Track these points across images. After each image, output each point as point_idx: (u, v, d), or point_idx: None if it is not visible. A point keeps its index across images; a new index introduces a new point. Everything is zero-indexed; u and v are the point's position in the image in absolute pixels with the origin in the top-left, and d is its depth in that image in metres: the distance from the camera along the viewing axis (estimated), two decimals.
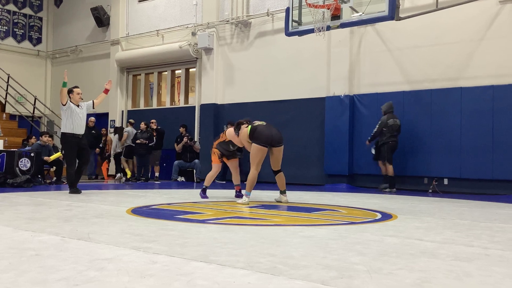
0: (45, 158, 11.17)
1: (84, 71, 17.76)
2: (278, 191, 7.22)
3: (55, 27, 19.14)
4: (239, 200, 6.93)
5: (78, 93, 8.38)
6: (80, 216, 5.00)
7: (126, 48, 16.34)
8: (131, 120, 14.34)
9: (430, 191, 10.39)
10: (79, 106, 8.35)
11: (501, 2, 10.02)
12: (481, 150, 10.02)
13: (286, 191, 7.20)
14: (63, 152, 8.70)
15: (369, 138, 10.75)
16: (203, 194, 7.61)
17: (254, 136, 6.90)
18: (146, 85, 16.55)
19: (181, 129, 13.68)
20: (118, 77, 16.45)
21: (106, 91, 8.75)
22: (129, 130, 13.72)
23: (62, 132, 8.34)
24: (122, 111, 16.52)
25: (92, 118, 13.83)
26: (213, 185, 9.69)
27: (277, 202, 7.11)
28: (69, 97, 8.31)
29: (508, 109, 9.81)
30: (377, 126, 10.52)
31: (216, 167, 7.72)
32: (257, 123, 7.08)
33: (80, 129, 8.28)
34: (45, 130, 14.78)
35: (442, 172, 10.49)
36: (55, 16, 19.18)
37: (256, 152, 6.86)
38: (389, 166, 10.43)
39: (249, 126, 7.03)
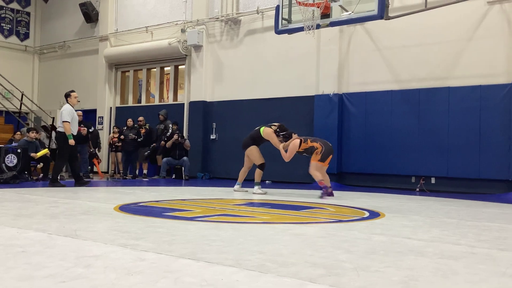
0: (32, 154, 11.06)
1: (72, 67, 17.62)
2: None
3: (43, 22, 18.93)
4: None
5: (75, 97, 9.44)
6: (67, 212, 4.96)
7: (115, 44, 16.22)
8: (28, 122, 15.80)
9: (418, 189, 10.46)
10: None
11: (489, 2, 10.10)
12: (468, 149, 10.10)
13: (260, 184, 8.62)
14: (49, 148, 8.98)
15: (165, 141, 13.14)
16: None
17: None
18: (134, 81, 16.45)
19: (173, 127, 13.60)
20: (106, 74, 16.34)
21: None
22: (22, 129, 14.16)
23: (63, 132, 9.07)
24: (111, 108, 16.40)
25: (79, 112, 13.52)
26: (211, 183, 9.65)
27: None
28: (67, 100, 9.28)
29: (495, 108, 9.90)
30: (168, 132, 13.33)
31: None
32: None
33: (75, 130, 9.34)
34: (32, 126, 14.61)
35: (429, 171, 10.55)
36: (43, 11, 18.97)
37: None
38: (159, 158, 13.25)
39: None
